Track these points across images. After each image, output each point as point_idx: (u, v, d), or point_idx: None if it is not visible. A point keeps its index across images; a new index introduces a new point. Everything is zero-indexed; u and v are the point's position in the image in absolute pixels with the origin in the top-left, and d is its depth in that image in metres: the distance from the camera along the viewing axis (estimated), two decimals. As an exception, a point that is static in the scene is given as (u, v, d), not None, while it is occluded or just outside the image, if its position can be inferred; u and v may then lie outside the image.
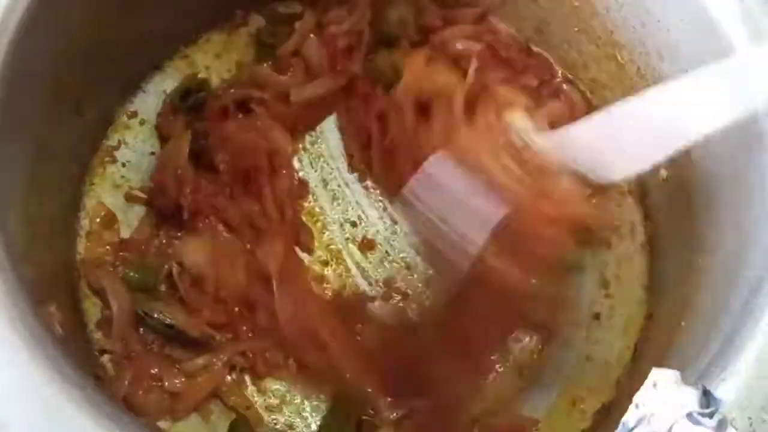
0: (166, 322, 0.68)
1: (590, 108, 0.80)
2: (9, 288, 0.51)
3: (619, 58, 0.77)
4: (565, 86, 0.82)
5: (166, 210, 0.73)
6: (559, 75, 0.83)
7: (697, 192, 0.69)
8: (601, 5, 0.75)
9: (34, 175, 0.64)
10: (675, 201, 0.73)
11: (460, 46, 0.81)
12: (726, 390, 0.52)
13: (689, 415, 0.43)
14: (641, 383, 0.64)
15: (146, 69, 0.80)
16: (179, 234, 0.73)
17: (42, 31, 0.61)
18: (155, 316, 0.68)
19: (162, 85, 0.80)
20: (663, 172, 0.75)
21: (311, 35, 0.80)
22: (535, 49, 0.85)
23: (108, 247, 0.72)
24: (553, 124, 0.64)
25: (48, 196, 0.68)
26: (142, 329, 0.69)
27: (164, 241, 0.73)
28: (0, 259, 0.52)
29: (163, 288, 0.72)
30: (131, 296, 0.69)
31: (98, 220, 0.73)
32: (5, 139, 0.58)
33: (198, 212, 0.73)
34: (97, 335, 0.69)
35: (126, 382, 0.66)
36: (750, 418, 0.51)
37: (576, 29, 0.80)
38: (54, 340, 0.52)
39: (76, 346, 0.63)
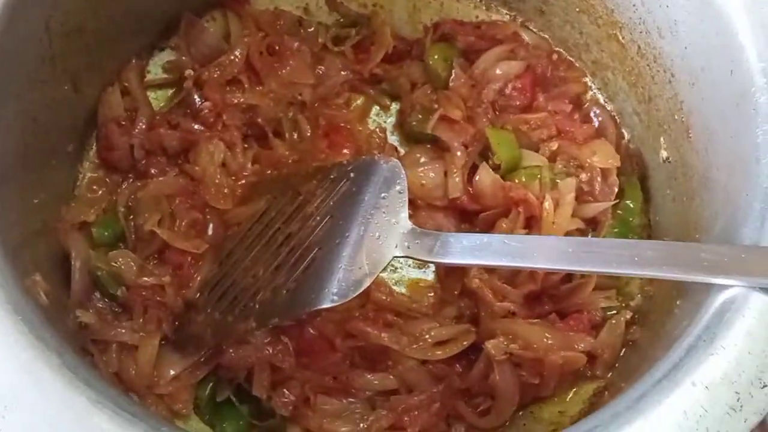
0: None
1: (617, 128, 0.81)
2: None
3: (620, 37, 0.77)
4: (596, 109, 0.81)
5: (120, 163, 0.75)
6: (589, 93, 0.84)
7: (696, 170, 0.69)
8: (601, -17, 0.75)
9: (28, 150, 0.65)
10: (674, 180, 0.73)
11: (499, 71, 0.81)
12: (715, 364, 0.51)
13: None
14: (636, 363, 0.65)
15: (145, 49, 0.81)
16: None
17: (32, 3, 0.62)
18: (98, 274, 0.70)
19: (159, 65, 0.81)
20: (663, 153, 0.74)
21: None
22: (538, 32, 0.85)
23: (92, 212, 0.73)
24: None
25: (43, 172, 0.68)
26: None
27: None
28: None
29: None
30: (89, 254, 0.70)
31: (88, 193, 0.75)
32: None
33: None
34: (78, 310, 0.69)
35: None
36: (738, 393, 0.50)
37: (577, 9, 0.80)
38: (37, 309, 0.52)
39: (64, 320, 0.63)
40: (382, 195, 0.66)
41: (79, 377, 0.49)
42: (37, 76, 0.65)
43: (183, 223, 0.73)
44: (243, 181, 0.76)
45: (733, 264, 0.54)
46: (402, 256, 0.63)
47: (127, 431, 0.47)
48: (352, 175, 0.69)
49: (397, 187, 0.67)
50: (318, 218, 0.67)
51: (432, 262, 0.64)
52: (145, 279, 0.70)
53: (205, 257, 0.73)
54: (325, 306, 0.62)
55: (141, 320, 0.70)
